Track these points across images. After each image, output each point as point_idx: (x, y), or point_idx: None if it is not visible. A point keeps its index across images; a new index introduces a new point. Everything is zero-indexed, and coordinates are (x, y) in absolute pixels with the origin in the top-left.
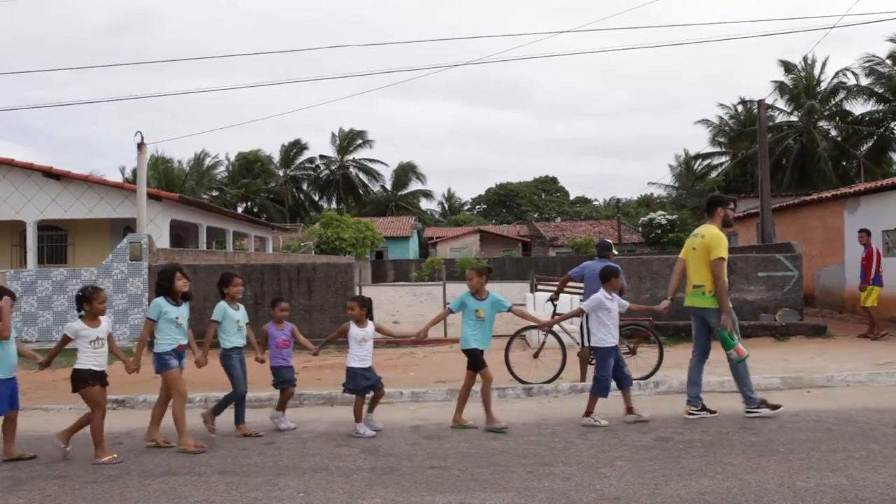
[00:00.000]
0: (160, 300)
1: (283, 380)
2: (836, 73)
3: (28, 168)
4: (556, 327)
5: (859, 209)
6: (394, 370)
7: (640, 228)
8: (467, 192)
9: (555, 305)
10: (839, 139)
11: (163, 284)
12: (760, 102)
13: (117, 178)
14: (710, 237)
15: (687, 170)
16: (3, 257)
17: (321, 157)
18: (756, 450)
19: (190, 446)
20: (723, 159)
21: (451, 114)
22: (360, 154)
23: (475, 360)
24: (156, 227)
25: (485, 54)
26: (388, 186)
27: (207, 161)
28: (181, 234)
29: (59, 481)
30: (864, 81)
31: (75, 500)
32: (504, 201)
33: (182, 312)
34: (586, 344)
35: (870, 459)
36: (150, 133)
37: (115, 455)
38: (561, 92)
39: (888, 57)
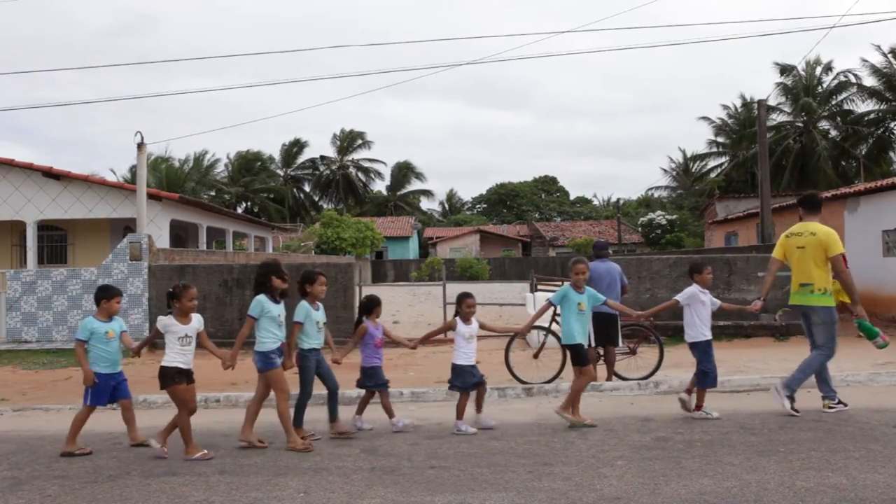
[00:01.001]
0: (262, 298)
1: (381, 381)
2: (836, 73)
3: (28, 168)
4: (554, 327)
5: (859, 209)
6: (394, 370)
7: (639, 228)
8: (467, 192)
9: (554, 306)
10: (839, 139)
11: (261, 282)
12: (761, 103)
13: (116, 178)
14: (823, 234)
15: (685, 170)
16: (3, 257)
17: (321, 157)
18: (756, 450)
19: (299, 445)
20: (722, 159)
21: (451, 114)
22: (360, 154)
23: (580, 356)
24: (156, 227)
25: (485, 54)
26: (387, 186)
27: (207, 161)
28: (181, 234)
29: (59, 481)
30: (868, 82)
31: (75, 500)
32: (504, 201)
33: (283, 310)
34: (593, 344)
35: (870, 459)
36: (150, 133)
37: (206, 451)
38: (561, 92)
39: (889, 52)
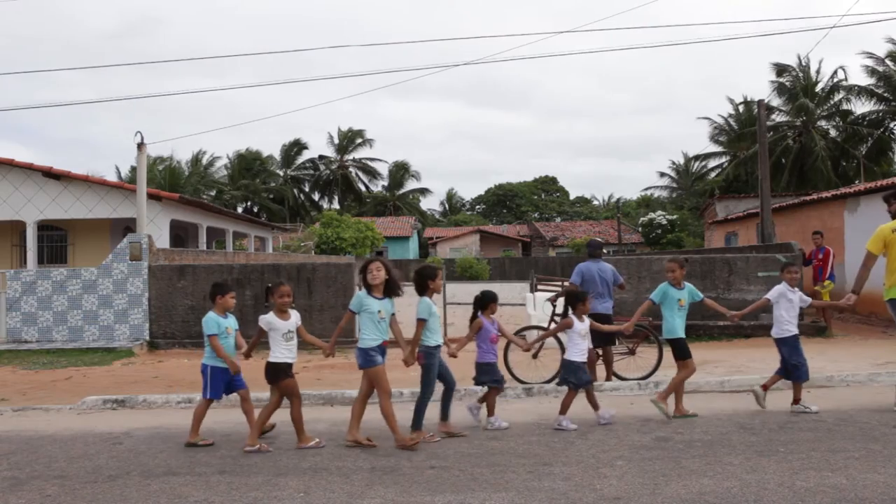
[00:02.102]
0: (361, 293)
1: (497, 378)
2: (834, 73)
3: (28, 168)
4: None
5: (859, 209)
6: (394, 370)
7: (639, 228)
8: (467, 192)
9: (554, 306)
10: (838, 139)
11: (363, 277)
12: (760, 102)
13: (120, 178)
14: None
15: (686, 171)
16: (3, 257)
17: (321, 157)
18: (756, 450)
19: (408, 442)
20: (722, 159)
21: (451, 114)
22: (360, 154)
23: (683, 350)
24: (156, 227)
25: (484, 54)
26: (386, 186)
27: (207, 161)
28: (181, 234)
29: (59, 481)
30: (865, 82)
31: (75, 500)
32: (504, 201)
33: (385, 307)
34: (590, 345)
35: (870, 459)
36: (152, 134)
37: (319, 440)
38: (560, 92)
39: (887, 56)
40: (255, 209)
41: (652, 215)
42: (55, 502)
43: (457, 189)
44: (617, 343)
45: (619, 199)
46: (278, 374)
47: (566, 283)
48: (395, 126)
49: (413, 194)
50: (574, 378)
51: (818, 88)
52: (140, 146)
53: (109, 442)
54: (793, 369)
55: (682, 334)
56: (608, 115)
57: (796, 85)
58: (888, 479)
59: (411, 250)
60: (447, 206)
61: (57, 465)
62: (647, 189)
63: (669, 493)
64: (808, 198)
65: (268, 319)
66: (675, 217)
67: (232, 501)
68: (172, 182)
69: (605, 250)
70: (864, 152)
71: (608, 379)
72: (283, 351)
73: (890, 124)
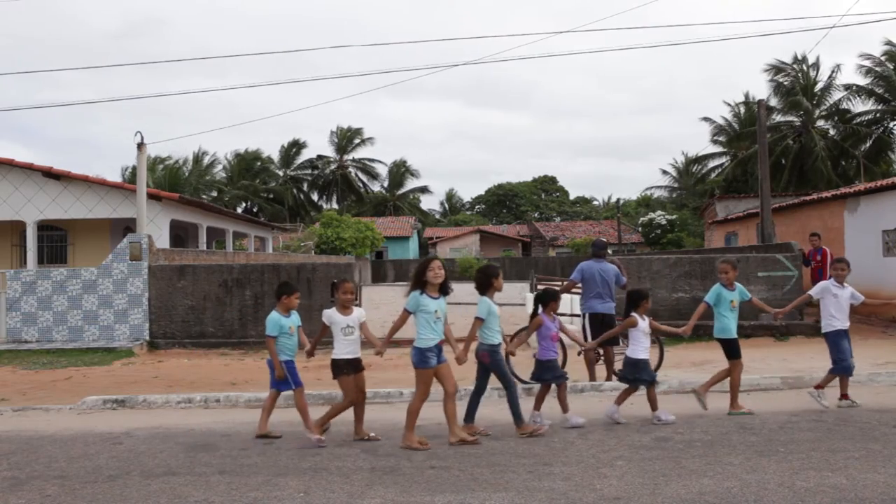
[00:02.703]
0: (416, 292)
1: (559, 374)
2: (833, 72)
3: (28, 168)
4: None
5: (859, 209)
6: (394, 370)
7: (639, 228)
8: (467, 192)
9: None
10: (838, 139)
11: (417, 276)
12: (760, 102)
13: (116, 178)
14: None
15: (686, 171)
16: (3, 257)
17: (320, 156)
18: (756, 450)
19: (414, 443)
20: (722, 160)
21: (450, 114)
22: (360, 153)
23: (735, 349)
24: (156, 227)
25: (484, 55)
26: (386, 186)
27: (207, 161)
28: (181, 234)
29: (59, 481)
30: (862, 81)
31: (75, 500)
32: (504, 201)
33: (441, 306)
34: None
35: (870, 459)
36: (153, 134)
37: (322, 437)
38: (560, 92)
39: (883, 55)
40: (255, 209)
41: (652, 215)
42: (55, 502)
43: (457, 189)
44: (620, 343)
45: (619, 199)
46: (337, 370)
47: (564, 283)
48: (394, 126)
49: (413, 194)
50: (645, 375)
51: (817, 88)
52: (140, 146)
53: (109, 442)
54: (833, 363)
55: (735, 335)
56: (608, 115)
57: (796, 85)
58: (888, 479)
59: (411, 250)
60: (447, 206)
61: (57, 465)
62: (647, 188)
63: (669, 493)
64: (808, 198)
65: (329, 314)
66: (674, 217)
67: (232, 501)
68: (172, 182)
69: (609, 251)
70: (863, 152)
71: (608, 379)
72: (343, 346)
73: (889, 124)
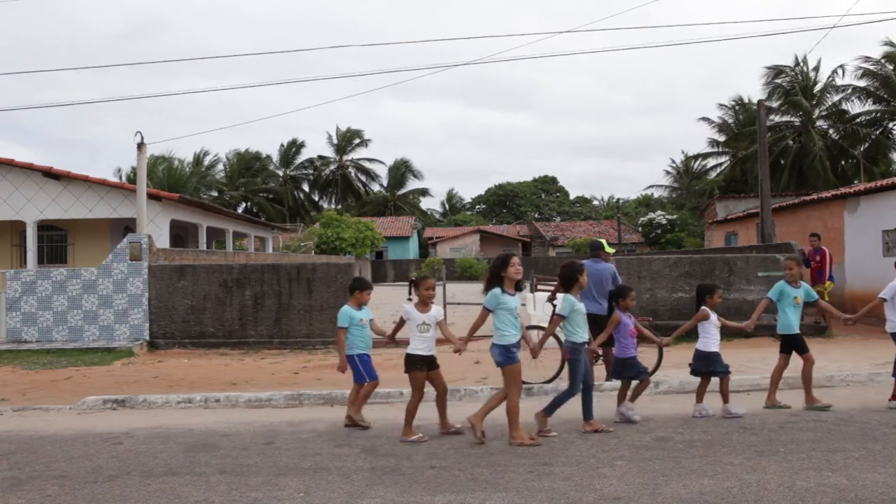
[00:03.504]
0: (497, 290)
1: (640, 370)
2: (832, 73)
3: (28, 168)
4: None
5: (859, 209)
6: (394, 370)
7: (639, 228)
8: (467, 192)
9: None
10: (837, 139)
11: (495, 273)
12: (760, 103)
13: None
14: None
15: (686, 171)
16: (3, 257)
17: (320, 157)
18: (756, 450)
19: (526, 440)
20: (722, 159)
21: (451, 114)
22: (359, 154)
23: (801, 344)
24: (156, 227)
25: (485, 55)
26: (386, 186)
27: (207, 161)
28: (181, 234)
29: (59, 481)
30: (862, 83)
31: (75, 500)
32: (504, 201)
33: (518, 302)
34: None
35: (870, 459)
36: (153, 134)
37: (422, 434)
38: (560, 93)
39: (883, 57)
40: (255, 209)
41: (652, 215)
42: (55, 502)
43: (457, 189)
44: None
45: (619, 199)
46: (410, 365)
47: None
48: (395, 126)
49: (413, 194)
50: (718, 367)
51: (817, 89)
52: (140, 146)
53: (109, 442)
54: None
55: (797, 330)
56: (608, 115)
57: (795, 85)
58: (888, 479)
59: (411, 250)
60: (447, 206)
61: (57, 465)
62: (648, 188)
63: (669, 493)
64: (807, 198)
65: (406, 309)
66: (674, 217)
67: (232, 501)
68: (172, 182)
69: (610, 249)
70: (863, 152)
71: (608, 379)
72: (417, 342)
73: (889, 124)
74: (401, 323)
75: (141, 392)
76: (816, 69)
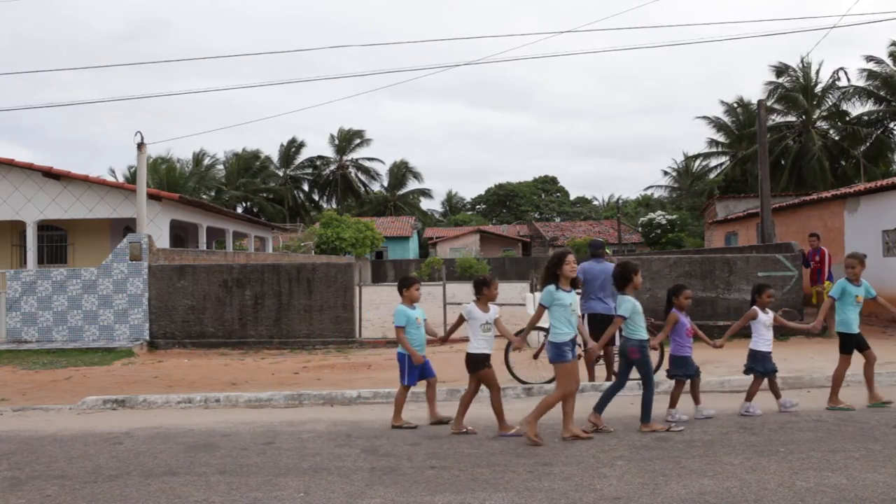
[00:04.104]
0: (551, 287)
1: (693, 370)
2: (834, 73)
3: (28, 168)
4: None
5: (859, 209)
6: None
7: (639, 228)
8: (467, 192)
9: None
10: (838, 139)
11: (551, 270)
12: (760, 103)
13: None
14: None
15: (686, 171)
16: (3, 257)
17: (320, 157)
18: (756, 450)
19: (581, 434)
20: (722, 159)
21: (451, 114)
22: (359, 154)
23: (861, 342)
24: (156, 227)
25: (485, 55)
26: (386, 186)
27: (207, 161)
28: (181, 234)
29: (59, 481)
30: (863, 83)
31: (75, 500)
32: (504, 201)
33: (574, 300)
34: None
35: (870, 459)
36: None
37: (518, 427)
38: (560, 93)
39: (889, 56)
40: (255, 209)
41: (652, 215)
42: (55, 502)
43: (457, 189)
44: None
45: (619, 199)
46: (477, 364)
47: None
48: (395, 126)
49: (413, 195)
50: (761, 367)
51: (817, 89)
52: (140, 146)
53: (109, 442)
54: None
55: (856, 329)
56: (608, 115)
57: (796, 86)
58: (888, 479)
59: (411, 250)
60: (447, 206)
61: (57, 465)
62: (648, 188)
63: (669, 493)
64: (807, 198)
65: (469, 308)
66: (674, 217)
67: (232, 501)
68: (172, 182)
69: (609, 251)
70: (863, 152)
71: (608, 379)
72: (480, 341)
73: (889, 124)
74: (458, 323)
75: (141, 392)
76: (818, 70)
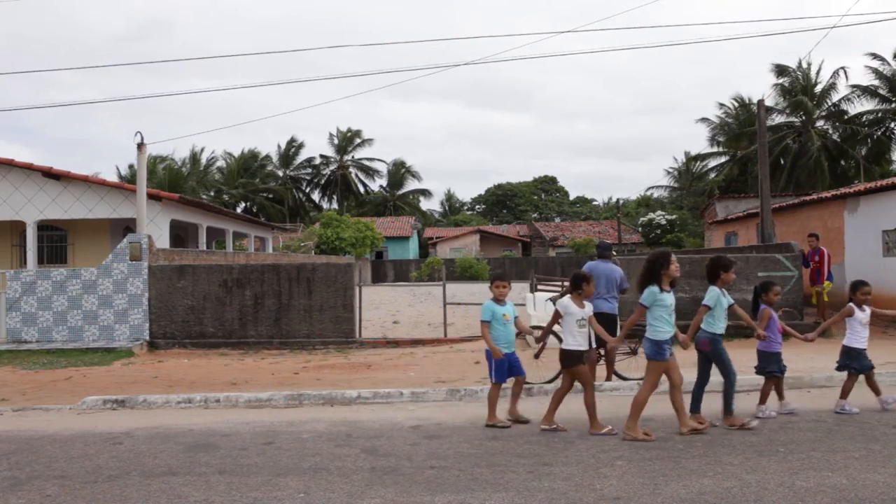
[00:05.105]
0: (655, 288)
1: (783, 368)
2: (834, 73)
3: (28, 168)
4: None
5: (859, 209)
6: (394, 370)
7: (639, 228)
8: (467, 192)
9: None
10: (838, 139)
11: (653, 270)
12: (760, 103)
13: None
14: None
15: (687, 170)
16: (3, 257)
17: (320, 156)
18: (756, 450)
19: (697, 427)
20: (722, 159)
21: (450, 115)
22: (359, 154)
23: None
24: (156, 227)
25: (484, 55)
26: (385, 186)
27: (207, 161)
28: (181, 234)
29: (59, 481)
30: (866, 82)
31: (75, 500)
32: (504, 201)
33: (673, 300)
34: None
35: (870, 459)
36: (153, 134)
37: (611, 427)
38: (560, 93)
39: (894, 57)
40: (255, 209)
41: (651, 215)
42: (55, 502)
43: (456, 189)
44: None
45: (619, 199)
46: (571, 361)
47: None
48: (394, 126)
49: (413, 194)
50: (857, 364)
51: (817, 89)
52: (140, 146)
53: (109, 442)
54: None
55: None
56: (608, 115)
57: (796, 86)
58: (888, 479)
59: (411, 250)
60: (447, 206)
61: (57, 465)
62: (649, 188)
63: (669, 493)
64: (807, 198)
65: (565, 303)
66: (674, 217)
67: (232, 501)
68: (172, 182)
69: (613, 252)
70: (863, 152)
71: (608, 378)
72: (576, 338)
73: (890, 124)
74: (555, 318)
75: (141, 392)
76: (818, 70)
